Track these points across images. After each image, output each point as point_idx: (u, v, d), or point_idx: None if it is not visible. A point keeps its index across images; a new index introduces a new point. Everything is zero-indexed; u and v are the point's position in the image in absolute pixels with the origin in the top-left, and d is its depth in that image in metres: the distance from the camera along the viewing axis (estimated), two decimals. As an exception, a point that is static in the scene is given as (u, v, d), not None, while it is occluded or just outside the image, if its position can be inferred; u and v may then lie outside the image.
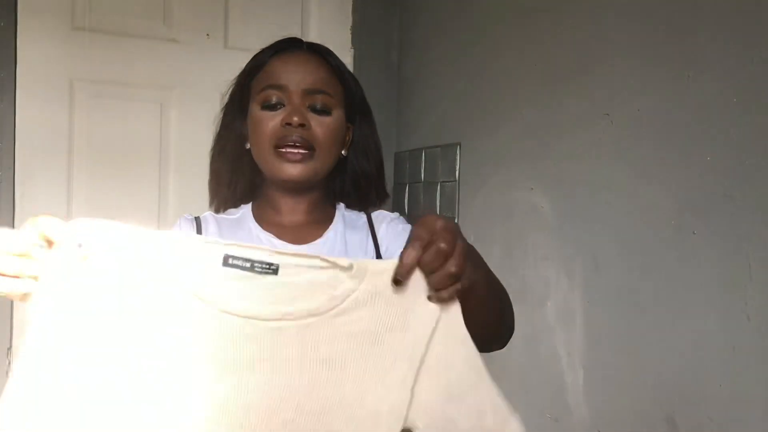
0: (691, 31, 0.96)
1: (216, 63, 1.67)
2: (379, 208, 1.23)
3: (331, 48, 1.15)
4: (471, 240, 1.51)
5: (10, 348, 1.44)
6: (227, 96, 1.14)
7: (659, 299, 1.01)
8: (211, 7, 1.69)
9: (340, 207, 1.18)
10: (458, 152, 1.51)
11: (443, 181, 1.57)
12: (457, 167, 1.52)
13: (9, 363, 1.44)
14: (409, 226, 1.12)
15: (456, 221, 1.51)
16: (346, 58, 1.79)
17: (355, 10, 1.82)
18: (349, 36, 1.80)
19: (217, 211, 1.16)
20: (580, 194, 1.16)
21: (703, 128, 0.94)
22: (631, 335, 1.06)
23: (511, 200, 1.34)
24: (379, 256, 1.08)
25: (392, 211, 1.22)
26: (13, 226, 1.45)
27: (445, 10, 1.61)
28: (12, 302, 1.44)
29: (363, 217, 1.17)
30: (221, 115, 1.16)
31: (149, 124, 1.62)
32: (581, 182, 1.16)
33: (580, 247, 1.16)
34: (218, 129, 1.17)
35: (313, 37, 1.76)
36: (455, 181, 1.52)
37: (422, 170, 1.64)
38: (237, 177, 1.15)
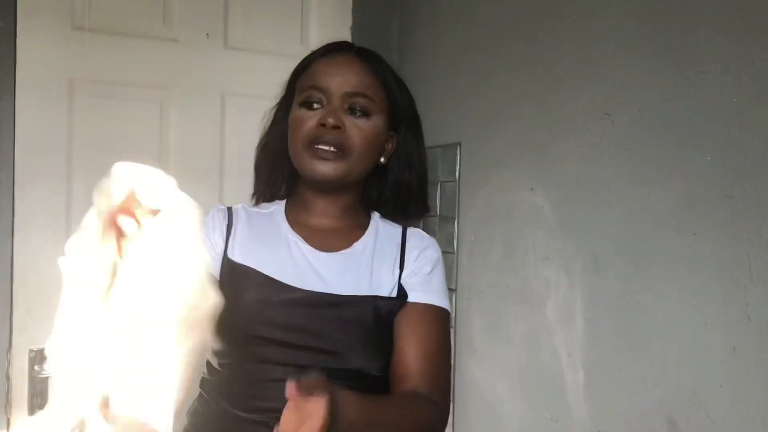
0: (692, 31, 0.96)
1: (216, 63, 1.67)
2: (418, 222, 1.19)
3: (331, 48, 1.14)
4: (471, 240, 1.51)
5: (9, 348, 1.44)
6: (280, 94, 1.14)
7: (659, 299, 1.01)
8: (211, 7, 1.68)
9: (375, 216, 1.15)
10: (458, 152, 1.51)
11: (443, 181, 1.57)
12: (457, 167, 1.52)
13: (9, 363, 1.43)
14: (439, 270, 1.11)
15: (456, 221, 1.51)
16: (346, 58, 1.78)
17: (355, 10, 1.82)
18: (349, 36, 1.80)
19: (257, 203, 1.16)
20: (580, 194, 1.16)
21: (703, 128, 0.94)
22: (631, 335, 1.05)
23: (511, 200, 1.34)
24: (401, 280, 1.05)
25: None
26: (13, 227, 1.46)
27: (446, 11, 1.61)
28: (11, 303, 1.44)
29: (399, 231, 1.14)
30: (272, 112, 1.16)
31: (149, 124, 1.62)
32: (581, 182, 1.16)
33: (580, 247, 1.16)
34: (266, 124, 1.17)
35: (312, 37, 1.76)
36: (455, 181, 1.52)
37: (422, 170, 1.64)
38: (276, 173, 1.14)
